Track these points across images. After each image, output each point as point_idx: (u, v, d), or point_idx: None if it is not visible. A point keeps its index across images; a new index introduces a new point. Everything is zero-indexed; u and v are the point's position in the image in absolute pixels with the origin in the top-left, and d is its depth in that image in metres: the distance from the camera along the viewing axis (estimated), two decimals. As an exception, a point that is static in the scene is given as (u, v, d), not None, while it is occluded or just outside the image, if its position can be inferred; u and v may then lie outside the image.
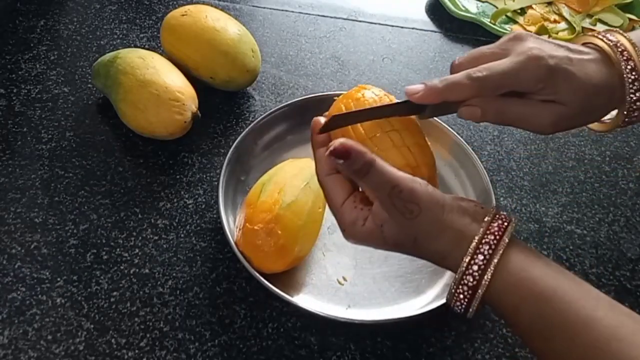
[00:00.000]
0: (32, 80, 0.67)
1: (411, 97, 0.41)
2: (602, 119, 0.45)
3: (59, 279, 0.50)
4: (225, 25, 0.63)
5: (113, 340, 0.47)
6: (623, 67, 0.41)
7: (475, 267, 0.36)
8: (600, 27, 0.80)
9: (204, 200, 0.57)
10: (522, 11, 0.83)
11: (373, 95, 0.43)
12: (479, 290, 0.36)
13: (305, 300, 0.50)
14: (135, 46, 0.72)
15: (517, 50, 0.40)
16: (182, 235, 0.54)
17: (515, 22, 0.82)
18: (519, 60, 0.39)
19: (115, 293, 0.50)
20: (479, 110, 0.41)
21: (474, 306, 0.37)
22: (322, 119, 0.41)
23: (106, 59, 0.62)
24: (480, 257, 0.36)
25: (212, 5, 0.68)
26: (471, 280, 0.36)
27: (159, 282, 0.51)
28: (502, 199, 0.61)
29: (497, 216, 0.37)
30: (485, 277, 0.36)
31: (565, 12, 0.83)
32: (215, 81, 0.64)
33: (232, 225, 0.52)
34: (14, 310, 0.48)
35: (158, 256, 0.53)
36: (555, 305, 0.34)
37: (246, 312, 0.50)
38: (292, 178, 0.51)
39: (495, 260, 0.35)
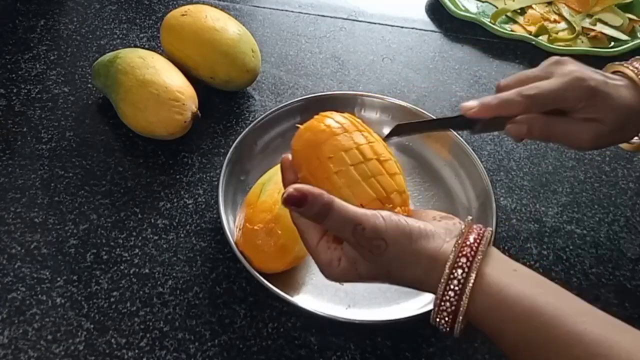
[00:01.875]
0: (32, 80, 0.67)
1: (466, 112, 0.44)
2: (631, 139, 0.50)
3: (59, 279, 0.50)
4: (225, 25, 0.63)
5: (113, 340, 0.47)
6: None
7: (452, 293, 0.36)
8: (600, 27, 0.80)
9: (204, 200, 0.57)
10: (522, 11, 0.83)
11: (336, 124, 0.42)
12: (459, 316, 0.36)
13: (305, 300, 0.50)
14: (135, 46, 0.72)
15: (561, 72, 0.45)
16: (182, 235, 0.54)
17: (515, 22, 0.82)
18: (565, 81, 0.44)
19: (115, 293, 0.50)
20: (525, 127, 0.45)
21: (457, 329, 0.36)
22: (290, 156, 0.43)
23: (106, 58, 0.62)
24: (455, 282, 0.36)
25: (212, 5, 0.68)
26: (449, 305, 0.36)
27: (159, 282, 0.51)
28: (502, 199, 0.61)
29: (470, 230, 0.37)
30: (462, 302, 0.35)
31: (565, 12, 0.83)
32: (215, 81, 0.64)
33: (232, 225, 0.52)
34: (14, 310, 0.48)
35: (158, 256, 0.53)
36: (536, 324, 0.34)
37: (246, 312, 0.50)
38: (292, 178, 0.51)
39: (470, 284, 0.35)
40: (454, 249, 0.36)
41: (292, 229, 0.48)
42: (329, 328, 0.49)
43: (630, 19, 0.81)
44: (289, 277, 0.52)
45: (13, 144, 0.60)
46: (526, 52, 0.78)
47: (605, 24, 0.81)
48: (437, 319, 0.37)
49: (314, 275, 0.52)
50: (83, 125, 0.63)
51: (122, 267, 0.52)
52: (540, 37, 0.79)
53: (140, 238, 0.54)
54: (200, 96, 0.61)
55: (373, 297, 0.51)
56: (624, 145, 0.53)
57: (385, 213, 0.38)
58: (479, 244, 0.36)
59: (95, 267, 0.51)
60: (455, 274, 0.36)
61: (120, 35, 0.73)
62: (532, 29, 0.80)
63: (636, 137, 0.51)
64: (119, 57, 0.60)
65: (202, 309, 0.50)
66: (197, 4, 0.66)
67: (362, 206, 0.39)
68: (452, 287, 0.36)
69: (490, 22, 0.80)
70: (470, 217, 0.39)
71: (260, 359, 0.47)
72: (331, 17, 0.81)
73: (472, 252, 0.36)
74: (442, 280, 0.36)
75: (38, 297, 0.49)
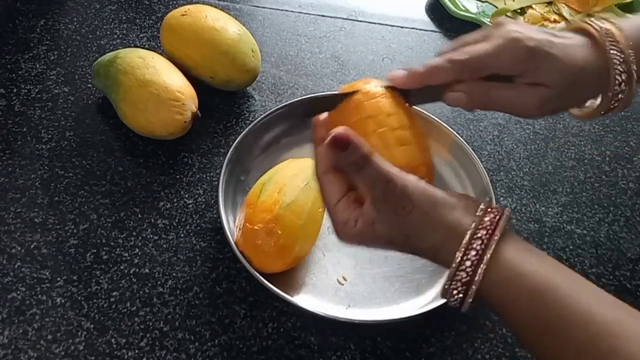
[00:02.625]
0: (32, 80, 0.67)
1: (393, 81, 0.42)
2: (584, 105, 0.46)
3: (59, 279, 0.50)
4: (225, 25, 0.63)
5: (113, 340, 0.47)
6: (609, 50, 0.41)
7: (468, 263, 0.35)
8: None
9: (204, 200, 0.57)
10: (522, 11, 0.83)
11: (380, 89, 0.42)
12: (473, 286, 0.36)
13: (305, 300, 0.50)
14: (135, 46, 0.72)
15: (498, 34, 0.41)
16: (182, 235, 0.54)
17: (515, 22, 0.82)
18: (498, 43, 0.40)
19: (115, 293, 0.50)
20: (463, 96, 0.41)
21: (468, 301, 0.36)
22: (323, 115, 0.42)
23: (106, 58, 0.62)
24: (473, 252, 0.35)
25: (212, 5, 0.68)
26: (464, 275, 0.36)
27: (159, 282, 0.51)
28: (502, 199, 0.61)
29: (490, 210, 0.37)
30: (478, 272, 0.35)
31: (565, 12, 0.83)
32: (215, 81, 0.64)
33: (232, 225, 0.52)
34: (14, 310, 0.48)
35: (158, 256, 0.53)
36: (549, 301, 0.34)
37: (246, 312, 0.50)
38: (292, 178, 0.51)
39: (488, 256, 0.35)
40: (474, 220, 0.36)
41: (292, 229, 0.49)
42: (329, 328, 0.49)
43: (630, 19, 0.81)
44: (289, 277, 0.52)
45: (13, 144, 0.60)
46: (526, 52, 0.78)
47: (605, 24, 0.81)
48: (450, 290, 0.37)
49: (314, 275, 0.52)
50: (83, 125, 0.63)
51: (122, 267, 0.52)
52: (540, 37, 0.79)
53: (140, 238, 0.54)
54: (200, 96, 0.61)
55: (373, 297, 0.52)
56: (574, 111, 0.47)
57: (412, 177, 0.38)
58: (498, 220, 0.36)
59: (95, 267, 0.51)
60: (474, 245, 0.35)
61: (120, 35, 0.73)
62: (532, 29, 0.80)
63: (589, 103, 0.45)
64: (119, 57, 0.60)
65: (202, 309, 0.50)
66: (197, 4, 0.66)
67: None
68: (469, 257, 0.35)
69: (490, 22, 0.80)
70: (488, 198, 0.38)
71: (260, 359, 0.47)
72: (331, 17, 0.81)
73: (492, 227, 0.36)
74: (460, 248, 0.36)
75: (38, 297, 0.49)
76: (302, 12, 0.81)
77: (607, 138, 0.69)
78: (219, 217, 0.51)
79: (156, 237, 0.54)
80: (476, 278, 0.35)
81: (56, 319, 0.48)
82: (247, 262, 0.48)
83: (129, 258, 0.52)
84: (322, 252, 0.54)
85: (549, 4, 0.84)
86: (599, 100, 0.44)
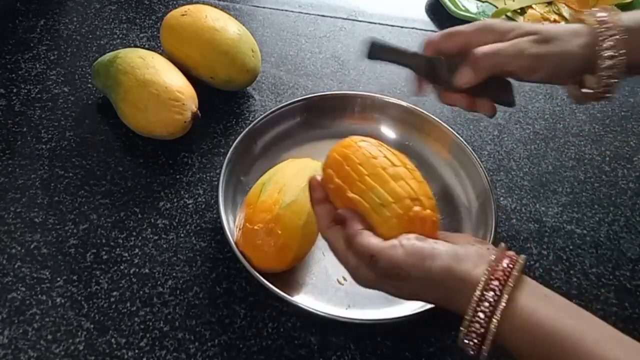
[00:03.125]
0: (32, 80, 0.67)
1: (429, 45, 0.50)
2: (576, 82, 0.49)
3: (59, 279, 0.50)
4: (225, 25, 0.63)
5: (113, 340, 0.47)
6: (599, 35, 0.45)
7: (482, 315, 0.35)
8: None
9: (204, 200, 0.57)
10: (522, 11, 0.83)
11: (362, 141, 0.44)
12: (488, 336, 0.36)
13: (305, 300, 0.50)
14: (135, 46, 0.72)
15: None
16: (182, 235, 0.54)
17: (515, 22, 0.82)
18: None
19: (115, 293, 0.50)
20: (469, 70, 0.47)
21: (485, 351, 0.36)
22: (319, 177, 0.44)
23: (106, 58, 0.62)
24: (486, 304, 0.35)
25: (212, 5, 0.68)
26: (478, 327, 0.36)
27: (159, 282, 0.51)
28: (502, 199, 0.61)
29: (503, 257, 0.37)
30: (492, 324, 0.35)
31: (565, 11, 0.83)
32: (215, 81, 0.64)
33: (232, 225, 0.52)
34: (14, 310, 0.48)
35: (158, 256, 0.53)
36: (567, 348, 0.34)
37: (246, 312, 0.50)
38: (292, 178, 0.51)
39: (502, 306, 0.35)
40: (486, 271, 0.36)
41: (292, 229, 0.49)
42: (329, 328, 0.49)
43: (630, 19, 0.81)
44: (289, 277, 0.52)
45: (13, 144, 0.60)
46: (526, 52, 0.78)
47: (605, 24, 0.81)
48: (466, 341, 0.37)
49: (314, 275, 0.52)
50: (83, 125, 0.63)
51: (122, 267, 0.52)
52: (540, 37, 0.79)
53: (140, 238, 0.54)
54: (200, 96, 0.61)
55: (373, 297, 0.51)
56: (570, 90, 0.50)
57: (408, 242, 0.38)
58: (511, 268, 0.36)
59: (95, 267, 0.51)
60: (487, 296, 0.35)
61: (120, 35, 0.73)
62: (532, 29, 0.80)
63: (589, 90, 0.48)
64: (119, 57, 0.60)
65: (202, 309, 0.50)
66: (197, 4, 0.66)
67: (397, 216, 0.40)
68: (482, 308, 0.35)
69: (490, 22, 0.80)
70: (503, 244, 0.39)
71: (260, 359, 0.47)
72: (331, 17, 0.81)
73: (505, 276, 0.36)
74: (473, 301, 0.36)
75: (38, 297, 0.49)
76: (302, 12, 0.81)
77: (607, 138, 0.69)
78: (219, 217, 0.51)
79: (156, 237, 0.54)
80: (491, 328, 0.35)
81: (56, 319, 0.48)
82: (247, 262, 0.48)
83: (129, 258, 0.52)
84: (322, 252, 0.54)
85: (549, 4, 0.84)
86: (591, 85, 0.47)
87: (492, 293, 0.35)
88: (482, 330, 0.36)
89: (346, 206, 0.41)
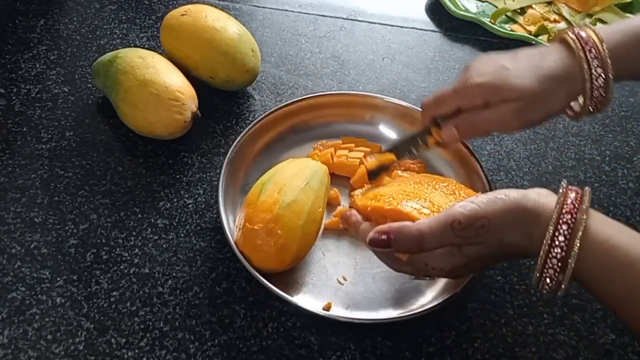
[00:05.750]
0: (32, 80, 0.67)
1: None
2: (569, 108, 0.50)
3: (58, 279, 0.50)
4: (225, 25, 0.63)
5: (113, 340, 0.47)
6: (586, 56, 0.45)
7: (562, 238, 0.36)
8: (600, 27, 0.81)
9: (204, 200, 0.57)
10: (522, 11, 0.83)
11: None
12: (569, 261, 0.36)
13: (305, 300, 0.50)
14: (135, 46, 0.72)
15: (460, 78, 0.50)
16: (182, 235, 0.54)
17: (515, 22, 0.82)
18: (457, 87, 0.49)
19: (115, 293, 0.50)
20: (454, 129, 0.49)
21: (567, 277, 0.36)
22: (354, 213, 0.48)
23: (106, 58, 0.62)
24: (565, 226, 0.36)
25: (212, 5, 0.68)
26: (559, 251, 0.36)
27: (159, 282, 0.51)
28: (502, 198, 0.61)
29: (570, 189, 0.38)
30: (574, 244, 0.36)
31: (565, 11, 0.83)
32: (215, 81, 0.64)
33: (232, 225, 0.52)
34: (14, 310, 0.48)
35: (158, 256, 0.53)
36: None
37: (246, 312, 0.50)
38: (292, 178, 0.51)
39: (581, 228, 0.36)
40: (558, 198, 0.38)
41: (292, 229, 0.49)
42: (329, 328, 0.49)
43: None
44: (289, 277, 0.52)
45: (13, 144, 0.60)
46: (526, 52, 0.78)
47: (605, 23, 0.81)
48: (546, 269, 0.37)
49: (314, 275, 0.52)
50: (83, 125, 0.63)
51: (122, 267, 0.52)
52: (540, 37, 0.79)
53: (140, 238, 0.54)
54: (200, 96, 0.61)
55: (373, 297, 0.51)
56: (568, 116, 0.51)
57: (465, 202, 0.40)
58: (582, 195, 0.38)
59: (95, 267, 0.51)
60: (565, 219, 0.36)
61: (120, 35, 0.73)
62: (532, 28, 0.80)
63: (576, 104, 0.50)
64: (119, 57, 0.60)
65: (202, 309, 0.50)
66: (197, 4, 0.66)
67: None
68: (562, 231, 0.36)
69: (490, 22, 0.80)
70: (564, 183, 0.40)
71: (260, 359, 0.47)
72: (331, 17, 0.81)
73: (577, 201, 0.37)
74: (551, 223, 0.37)
75: (38, 297, 0.49)
76: (302, 12, 0.81)
77: (607, 138, 0.69)
78: (219, 217, 0.51)
79: (156, 237, 0.54)
80: (573, 252, 0.36)
81: (56, 319, 0.48)
82: (247, 262, 0.48)
83: (129, 258, 0.52)
84: (322, 252, 0.54)
85: (549, 3, 0.84)
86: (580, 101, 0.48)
87: (569, 216, 0.37)
88: (563, 254, 0.36)
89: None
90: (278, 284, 0.48)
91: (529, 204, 0.38)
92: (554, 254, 0.36)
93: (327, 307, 0.50)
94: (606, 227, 0.37)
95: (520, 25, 0.81)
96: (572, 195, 0.38)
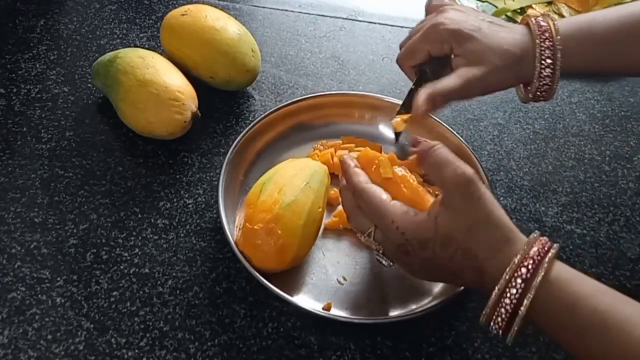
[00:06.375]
0: (32, 80, 0.67)
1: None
2: (522, 85, 0.51)
3: (58, 279, 0.50)
4: (225, 25, 0.63)
5: (113, 340, 0.47)
6: (540, 43, 0.47)
7: (524, 270, 0.37)
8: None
9: (204, 200, 0.57)
10: (522, 11, 0.83)
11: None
12: (532, 288, 0.36)
13: (305, 300, 0.50)
14: (135, 46, 0.72)
15: (429, 21, 0.51)
16: (182, 235, 0.54)
17: (515, 22, 0.82)
18: (426, 29, 0.50)
19: (115, 293, 0.50)
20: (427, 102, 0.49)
21: (517, 323, 0.36)
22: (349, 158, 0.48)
23: (106, 58, 0.62)
24: (530, 261, 0.37)
25: (212, 5, 0.68)
26: (520, 281, 0.36)
27: (158, 282, 0.51)
28: (502, 198, 0.61)
29: (539, 239, 0.39)
30: (535, 280, 0.36)
31: (565, 11, 0.83)
32: (215, 81, 0.64)
33: (232, 225, 0.52)
34: (14, 310, 0.48)
35: (158, 256, 0.53)
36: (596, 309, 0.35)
37: (246, 311, 0.50)
38: (292, 178, 0.51)
39: (545, 266, 0.36)
40: (532, 235, 0.39)
41: (292, 228, 0.49)
42: (329, 328, 0.49)
43: (630, 19, 0.81)
44: (289, 277, 0.52)
45: (13, 144, 0.60)
46: (526, 52, 0.78)
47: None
48: (504, 298, 0.37)
49: (314, 275, 0.52)
50: (83, 125, 0.63)
51: (122, 267, 0.52)
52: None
53: (140, 238, 0.54)
54: (200, 96, 0.61)
55: (373, 297, 0.51)
56: (518, 92, 0.53)
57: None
58: (550, 245, 0.39)
59: (95, 267, 0.51)
60: (532, 252, 0.37)
61: (120, 35, 0.73)
62: (532, 28, 0.80)
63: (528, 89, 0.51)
64: (119, 57, 0.60)
65: (202, 308, 0.50)
66: (197, 4, 0.66)
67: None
68: (531, 255, 0.37)
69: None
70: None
71: (260, 359, 0.47)
72: (331, 17, 0.81)
73: (547, 248, 0.38)
74: (520, 251, 0.37)
75: (38, 297, 0.49)
76: (302, 12, 0.81)
77: (607, 138, 0.69)
78: (219, 217, 0.51)
79: (156, 237, 0.54)
80: (533, 283, 0.36)
81: (56, 318, 0.48)
82: (247, 262, 0.48)
83: (129, 258, 0.52)
84: (322, 252, 0.54)
85: (549, 3, 0.84)
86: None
87: (537, 250, 0.37)
88: (525, 279, 0.36)
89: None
90: (278, 284, 0.48)
91: (509, 224, 0.40)
92: (514, 283, 0.37)
93: (327, 307, 0.50)
94: (567, 272, 0.37)
95: (520, 25, 0.81)
96: (542, 240, 0.39)
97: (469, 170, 0.40)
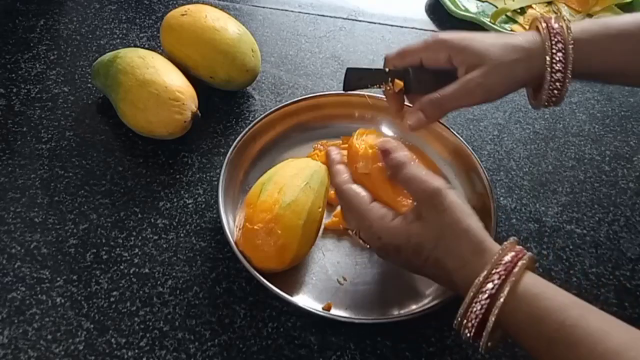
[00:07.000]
0: (31, 80, 0.67)
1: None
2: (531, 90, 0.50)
3: (58, 279, 0.50)
4: (225, 25, 0.63)
5: (113, 340, 0.47)
6: (551, 47, 0.46)
7: (490, 286, 0.37)
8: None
9: (204, 200, 0.57)
10: (522, 11, 0.83)
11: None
12: (499, 299, 0.36)
13: (305, 300, 0.50)
14: (135, 46, 0.72)
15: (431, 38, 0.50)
16: (182, 235, 0.54)
17: (515, 22, 0.82)
18: (426, 42, 0.50)
19: (115, 293, 0.50)
20: (421, 114, 0.49)
21: (487, 328, 0.36)
22: (335, 149, 0.50)
23: (106, 58, 0.62)
24: (496, 276, 0.37)
25: (212, 5, 0.68)
26: (486, 296, 0.37)
27: (158, 282, 0.51)
28: (502, 198, 0.61)
29: (512, 247, 0.39)
30: (502, 293, 0.36)
31: (565, 11, 0.83)
32: (215, 81, 0.64)
33: (232, 225, 0.52)
34: (14, 310, 0.48)
35: (158, 256, 0.53)
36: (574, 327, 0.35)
37: (246, 311, 0.50)
38: (292, 178, 0.51)
39: (513, 278, 0.36)
40: (503, 245, 0.38)
41: (292, 228, 0.49)
42: (329, 328, 0.49)
43: (630, 19, 0.81)
44: (289, 277, 0.52)
45: (13, 144, 0.60)
46: (526, 52, 0.78)
47: (605, 23, 0.81)
48: (472, 306, 0.37)
49: (314, 275, 0.52)
50: (83, 125, 0.63)
51: (122, 267, 0.52)
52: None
53: (140, 238, 0.54)
54: (200, 96, 0.61)
55: (373, 297, 0.51)
56: (531, 104, 0.52)
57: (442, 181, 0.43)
58: (523, 255, 0.38)
59: (95, 267, 0.51)
60: (503, 261, 0.37)
61: (120, 35, 0.73)
62: (532, 28, 0.80)
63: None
64: (119, 57, 0.60)
65: (202, 308, 0.50)
66: (197, 4, 0.66)
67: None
68: (498, 270, 0.37)
69: (490, 21, 0.80)
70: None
71: (260, 359, 0.47)
72: (331, 17, 0.81)
73: (520, 255, 0.38)
74: (490, 263, 0.37)
75: (38, 297, 0.49)
76: (302, 12, 0.81)
77: (607, 138, 0.69)
78: (219, 217, 0.51)
79: (156, 237, 0.54)
80: (502, 294, 0.36)
81: (56, 318, 0.48)
82: (247, 262, 0.48)
83: (129, 258, 0.52)
84: (322, 252, 0.54)
85: (549, 3, 0.84)
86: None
87: (509, 259, 0.37)
88: (491, 295, 0.36)
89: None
90: (278, 284, 0.48)
91: (479, 235, 0.40)
92: (484, 291, 0.37)
93: (327, 307, 0.50)
94: (538, 280, 0.37)
95: (520, 25, 0.81)
96: (515, 249, 0.38)
97: (435, 183, 0.41)
